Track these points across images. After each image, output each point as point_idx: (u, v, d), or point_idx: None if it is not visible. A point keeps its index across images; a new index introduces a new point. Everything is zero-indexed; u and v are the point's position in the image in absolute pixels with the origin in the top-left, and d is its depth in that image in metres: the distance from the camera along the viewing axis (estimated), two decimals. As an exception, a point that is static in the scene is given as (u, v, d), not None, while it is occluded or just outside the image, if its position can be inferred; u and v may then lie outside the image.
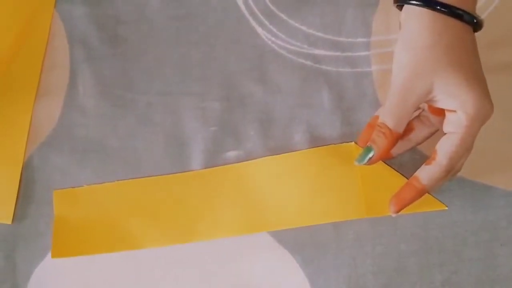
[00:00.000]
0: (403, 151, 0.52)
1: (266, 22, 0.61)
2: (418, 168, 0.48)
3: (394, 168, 0.53)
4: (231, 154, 0.58)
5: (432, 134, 0.51)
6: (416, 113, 0.52)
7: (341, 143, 0.56)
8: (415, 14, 0.46)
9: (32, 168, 0.60)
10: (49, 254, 0.57)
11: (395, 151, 0.51)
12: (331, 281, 0.53)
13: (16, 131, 0.60)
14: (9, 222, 0.58)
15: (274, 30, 0.60)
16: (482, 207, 0.53)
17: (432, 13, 0.45)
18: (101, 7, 0.63)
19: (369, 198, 0.53)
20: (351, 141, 0.55)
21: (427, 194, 0.49)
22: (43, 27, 0.63)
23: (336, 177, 0.54)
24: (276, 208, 0.55)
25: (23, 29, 0.63)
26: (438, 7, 0.45)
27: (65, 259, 0.57)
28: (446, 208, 0.52)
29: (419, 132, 0.51)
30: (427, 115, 0.51)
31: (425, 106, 0.51)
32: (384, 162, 0.53)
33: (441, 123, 0.48)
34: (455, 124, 0.45)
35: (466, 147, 0.46)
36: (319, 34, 0.59)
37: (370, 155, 0.48)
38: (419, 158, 0.52)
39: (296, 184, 0.55)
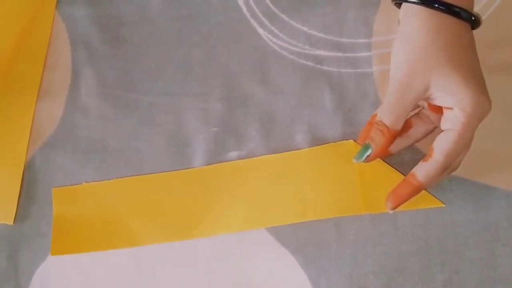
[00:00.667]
0: (402, 148, 0.52)
1: (267, 23, 0.61)
2: None
3: (393, 167, 0.53)
4: (233, 154, 0.58)
5: (431, 131, 0.51)
6: (416, 111, 0.52)
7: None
8: (412, 12, 0.46)
9: (34, 168, 0.60)
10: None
11: (394, 148, 0.51)
12: (332, 281, 0.53)
13: (17, 132, 0.60)
14: (11, 222, 0.58)
15: (276, 31, 0.61)
16: (483, 207, 0.53)
17: (429, 11, 0.45)
18: (103, 8, 0.64)
19: (367, 195, 0.53)
20: (350, 139, 0.55)
21: (424, 191, 0.49)
22: (45, 28, 0.63)
23: (335, 174, 0.54)
24: (275, 205, 0.55)
25: (25, 30, 0.63)
26: (436, 5, 0.45)
27: (67, 259, 0.57)
28: (444, 205, 0.52)
29: (418, 129, 0.51)
30: (427, 113, 0.51)
31: (425, 104, 0.51)
32: (383, 160, 0.53)
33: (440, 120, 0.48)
34: (452, 121, 0.45)
35: (463, 144, 0.46)
36: (321, 34, 0.60)
37: (368, 152, 0.48)
38: (420, 158, 0.51)
39: (295, 181, 0.55)
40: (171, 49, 0.62)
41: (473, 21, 0.46)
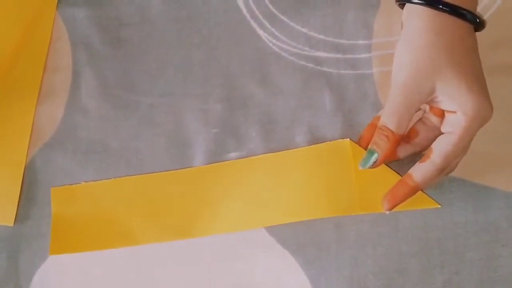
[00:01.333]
0: (410, 154, 0.52)
1: (268, 25, 0.61)
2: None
3: (389, 166, 0.53)
4: (233, 155, 0.58)
5: (438, 136, 0.51)
6: (419, 114, 0.52)
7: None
8: (416, 13, 0.46)
9: (34, 169, 0.60)
10: (52, 255, 0.57)
11: (402, 153, 0.51)
12: (332, 281, 0.53)
13: (18, 133, 0.61)
14: (11, 223, 0.58)
15: (276, 32, 0.61)
16: (482, 208, 0.53)
17: (433, 12, 0.45)
18: (103, 9, 0.64)
19: (363, 195, 0.53)
20: (347, 138, 0.55)
21: (420, 192, 0.49)
22: (45, 29, 0.63)
23: (331, 173, 0.54)
24: (272, 204, 0.55)
25: (25, 31, 0.63)
26: (440, 6, 0.45)
27: (67, 260, 0.57)
28: (439, 206, 0.52)
29: (424, 135, 0.51)
30: (429, 117, 0.51)
31: (427, 107, 0.51)
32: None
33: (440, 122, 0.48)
34: (453, 125, 0.45)
35: (462, 148, 0.46)
36: (320, 36, 0.60)
37: (374, 158, 0.48)
38: (417, 158, 0.51)
39: (292, 180, 0.55)
40: (171, 50, 0.62)
41: (478, 23, 0.46)
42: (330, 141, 0.56)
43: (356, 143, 0.54)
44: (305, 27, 0.60)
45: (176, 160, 0.58)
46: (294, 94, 0.59)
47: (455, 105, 0.45)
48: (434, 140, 0.49)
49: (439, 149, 0.46)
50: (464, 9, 0.45)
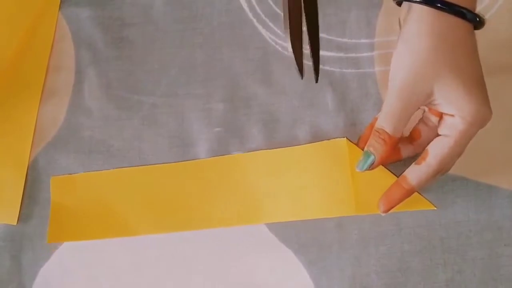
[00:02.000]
0: (414, 155, 0.51)
1: (270, 24, 0.61)
2: None
3: (385, 167, 0.53)
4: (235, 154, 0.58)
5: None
6: (420, 112, 0.51)
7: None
8: (416, 13, 0.45)
9: (37, 169, 0.60)
10: (55, 254, 0.58)
11: (405, 154, 0.51)
12: (335, 281, 0.53)
13: (21, 133, 0.61)
14: (14, 222, 0.59)
15: (278, 31, 0.61)
16: (485, 207, 0.53)
17: (433, 12, 0.44)
18: (106, 10, 0.64)
19: (359, 195, 0.52)
20: (344, 137, 0.54)
21: (416, 193, 0.49)
22: (48, 29, 0.64)
23: (327, 173, 0.54)
24: (268, 201, 0.55)
25: (29, 31, 0.63)
26: (439, 5, 0.44)
27: (70, 259, 0.57)
28: (435, 208, 0.52)
29: (427, 136, 0.50)
30: (429, 116, 0.50)
31: (426, 107, 0.51)
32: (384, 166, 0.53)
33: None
34: (450, 128, 0.45)
35: (458, 151, 0.46)
36: (323, 35, 0.59)
37: (370, 161, 0.48)
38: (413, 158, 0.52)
39: (288, 178, 0.55)
40: (174, 50, 0.62)
41: (478, 22, 0.45)
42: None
43: (354, 142, 0.53)
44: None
45: (179, 160, 0.59)
46: (297, 93, 0.59)
47: (453, 109, 0.45)
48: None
49: (435, 152, 0.46)
50: (464, 8, 0.44)
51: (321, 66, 0.58)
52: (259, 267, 0.55)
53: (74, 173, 0.59)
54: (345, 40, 0.59)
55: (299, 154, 0.56)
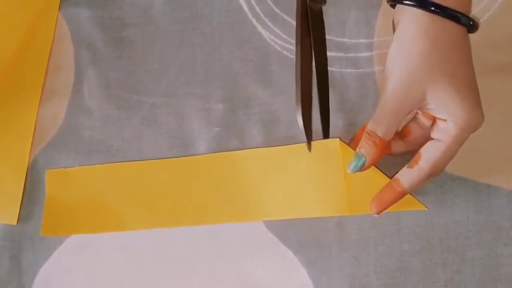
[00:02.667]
0: (404, 152, 0.52)
1: (270, 24, 0.61)
2: None
3: (378, 168, 0.53)
4: None
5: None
6: (412, 115, 0.51)
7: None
8: (411, 16, 0.45)
9: (37, 169, 0.60)
10: (55, 254, 0.58)
11: (395, 149, 0.51)
12: (334, 281, 0.53)
13: (21, 133, 0.61)
14: (14, 223, 0.59)
15: (278, 31, 0.61)
16: (484, 207, 0.53)
17: (428, 16, 0.44)
18: (106, 10, 0.64)
19: (352, 195, 0.52)
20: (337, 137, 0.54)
21: (408, 194, 0.49)
22: (48, 29, 0.64)
23: (320, 173, 0.54)
24: (262, 199, 0.56)
25: (28, 31, 0.63)
26: (433, 8, 0.44)
27: (70, 259, 0.57)
28: (426, 209, 0.52)
29: (418, 134, 0.51)
30: (422, 118, 0.50)
31: (418, 110, 0.50)
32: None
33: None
34: (443, 132, 0.45)
35: (450, 155, 0.46)
36: (322, 35, 0.60)
37: (361, 163, 0.48)
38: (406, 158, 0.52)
39: (281, 177, 0.56)
40: (174, 50, 0.62)
41: (471, 26, 0.45)
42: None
43: (347, 143, 0.53)
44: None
45: (179, 160, 0.59)
46: (296, 94, 0.59)
47: (446, 114, 0.45)
48: (426, 139, 0.49)
49: (428, 156, 0.46)
50: (458, 12, 0.44)
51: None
52: (258, 267, 0.55)
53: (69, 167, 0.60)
54: (344, 40, 0.59)
55: (293, 152, 0.56)
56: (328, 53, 0.58)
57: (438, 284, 0.52)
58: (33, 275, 0.58)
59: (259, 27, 0.61)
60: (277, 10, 0.61)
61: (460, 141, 0.45)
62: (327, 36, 0.59)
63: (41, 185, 0.60)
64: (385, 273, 0.53)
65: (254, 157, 0.57)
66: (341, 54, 0.59)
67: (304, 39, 0.49)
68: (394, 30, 0.49)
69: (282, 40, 0.60)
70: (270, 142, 0.57)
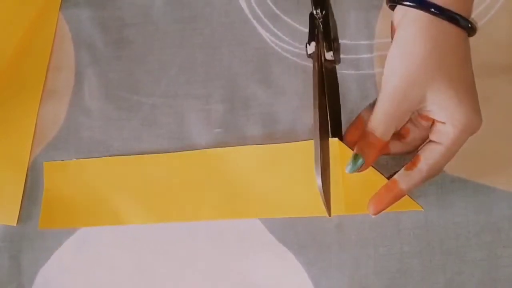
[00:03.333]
0: (402, 152, 0.52)
1: (270, 25, 0.61)
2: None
3: (375, 168, 0.53)
4: None
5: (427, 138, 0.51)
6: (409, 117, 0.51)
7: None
8: (411, 18, 0.45)
9: (37, 169, 0.60)
10: (55, 255, 0.58)
11: (393, 149, 0.51)
12: (334, 281, 0.53)
13: (21, 133, 0.61)
14: (14, 223, 0.59)
15: (278, 32, 0.61)
16: (484, 209, 0.53)
17: (428, 17, 0.44)
18: (106, 10, 0.64)
19: (349, 195, 0.53)
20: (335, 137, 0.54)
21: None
22: (49, 29, 0.64)
23: None
24: (259, 196, 0.56)
25: (29, 32, 0.63)
26: (432, 9, 0.44)
27: (70, 259, 0.57)
28: (422, 209, 0.52)
29: (416, 136, 0.51)
30: (419, 119, 0.50)
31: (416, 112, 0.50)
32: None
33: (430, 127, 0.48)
34: (442, 135, 0.46)
35: (449, 157, 0.46)
36: (322, 36, 0.60)
37: (359, 164, 0.48)
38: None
39: (279, 175, 0.56)
40: (173, 51, 0.62)
41: (470, 29, 0.46)
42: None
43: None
44: (307, 27, 0.60)
45: (179, 160, 0.59)
46: (296, 94, 0.59)
47: (445, 116, 0.45)
48: (423, 140, 0.49)
49: (426, 158, 0.46)
50: (458, 14, 0.44)
51: (321, 68, 0.58)
52: (258, 267, 0.55)
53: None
54: (344, 41, 0.59)
55: (292, 151, 0.56)
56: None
57: (438, 285, 0.52)
58: (33, 276, 0.58)
59: (259, 28, 0.61)
60: (277, 11, 0.61)
61: (458, 143, 0.45)
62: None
63: (41, 185, 0.59)
64: (385, 274, 0.53)
65: (252, 154, 0.57)
66: (342, 56, 0.59)
67: (321, 101, 0.50)
68: (392, 32, 0.49)
69: (282, 41, 0.60)
70: (270, 142, 0.57)
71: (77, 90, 0.62)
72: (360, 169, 0.48)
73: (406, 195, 0.50)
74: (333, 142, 0.53)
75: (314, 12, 0.53)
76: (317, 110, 0.49)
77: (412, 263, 0.53)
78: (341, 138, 0.52)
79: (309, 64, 0.59)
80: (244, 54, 0.61)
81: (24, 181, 0.60)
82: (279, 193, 0.55)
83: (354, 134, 0.51)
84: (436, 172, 0.47)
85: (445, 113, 0.45)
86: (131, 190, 0.58)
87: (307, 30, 0.58)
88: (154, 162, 0.58)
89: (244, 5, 0.62)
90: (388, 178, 0.50)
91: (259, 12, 0.61)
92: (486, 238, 0.53)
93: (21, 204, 0.59)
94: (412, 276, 0.53)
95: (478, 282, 0.52)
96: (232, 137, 0.58)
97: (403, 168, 0.48)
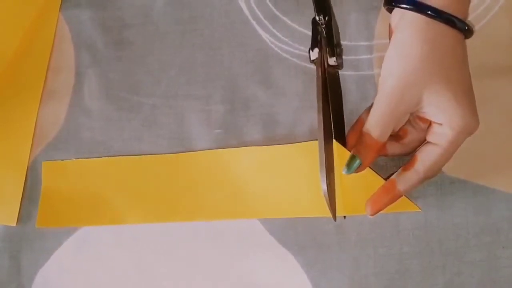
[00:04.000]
0: (400, 154, 0.52)
1: (270, 26, 0.61)
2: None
3: (373, 169, 0.53)
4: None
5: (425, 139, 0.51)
6: (406, 118, 0.52)
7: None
8: (408, 20, 0.45)
9: (37, 169, 0.60)
10: (54, 255, 0.58)
11: (391, 150, 0.51)
12: (334, 282, 0.53)
13: (21, 133, 0.61)
14: (14, 223, 0.59)
15: (278, 33, 0.61)
16: (483, 210, 0.53)
17: (424, 20, 0.45)
18: (107, 10, 0.64)
19: (347, 196, 0.53)
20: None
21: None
22: (49, 30, 0.64)
23: (316, 173, 0.54)
24: (258, 197, 0.56)
25: (29, 32, 0.63)
26: (429, 12, 0.44)
27: (69, 260, 0.58)
28: (420, 210, 0.52)
29: (414, 137, 0.51)
30: (416, 120, 0.50)
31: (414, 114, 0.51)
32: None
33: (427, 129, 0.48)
34: (439, 137, 0.46)
35: (446, 158, 0.46)
36: (322, 37, 0.60)
37: (356, 165, 0.48)
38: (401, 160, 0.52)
39: (278, 176, 0.56)
40: (174, 51, 0.62)
41: (466, 31, 0.46)
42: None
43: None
44: (307, 28, 0.60)
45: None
46: (297, 95, 0.59)
47: (442, 118, 0.45)
48: (421, 141, 0.49)
49: (424, 160, 0.46)
50: (454, 16, 0.45)
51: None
52: (258, 268, 0.55)
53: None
54: (344, 42, 0.59)
55: (290, 152, 0.56)
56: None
57: (437, 286, 0.52)
58: (33, 276, 0.58)
59: (259, 29, 0.61)
60: (277, 13, 0.61)
61: (456, 145, 0.46)
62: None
63: (41, 186, 0.59)
64: (384, 275, 0.53)
65: (252, 154, 0.57)
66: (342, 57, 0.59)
67: (325, 107, 0.50)
68: (390, 34, 0.49)
69: (282, 42, 0.60)
70: (270, 143, 0.57)
71: (77, 91, 0.62)
72: (357, 170, 0.48)
73: (404, 196, 0.50)
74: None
75: (317, 18, 0.53)
76: (321, 115, 0.49)
77: (411, 264, 0.53)
78: (344, 143, 0.52)
79: (309, 65, 0.59)
80: (244, 55, 0.61)
81: (24, 181, 0.60)
82: (279, 194, 0.55)
83: (355, 137, 0.52)
84: (433, 173, 0.47)
85: (442, 114, 0.45)
86: (130, 190, 0.58)
87: (306, 31, 0.58)
88: (153, 163, 0.58)
89: (243, 6, 0.62)
90: (386, 179, 0.50)
91: (259, 13, 0.61)
92: (485, 239, 0.53)
93: (20, 204, 0.59)
94: (412, 277, 0.53)
95: (478, 283, 0.52)
96: (232, 138, 0.58)
97: (400, 169, 0.48)
